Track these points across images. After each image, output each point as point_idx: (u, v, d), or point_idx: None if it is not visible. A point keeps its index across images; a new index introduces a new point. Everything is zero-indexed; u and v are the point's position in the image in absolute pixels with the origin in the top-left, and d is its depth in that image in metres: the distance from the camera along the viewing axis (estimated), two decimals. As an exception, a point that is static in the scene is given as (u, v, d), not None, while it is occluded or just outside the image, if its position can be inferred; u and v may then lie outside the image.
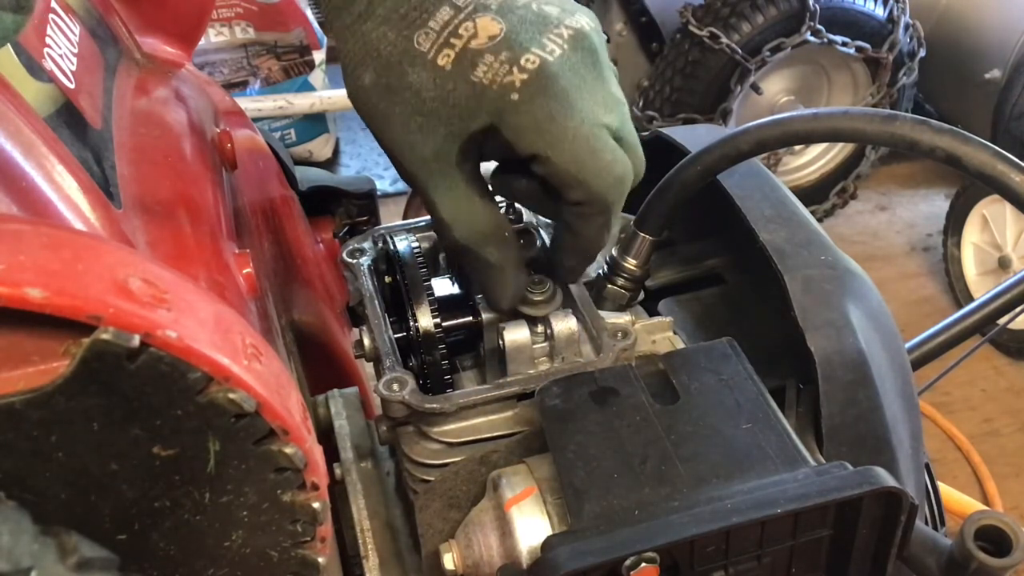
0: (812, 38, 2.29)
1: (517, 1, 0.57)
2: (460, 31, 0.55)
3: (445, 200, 0.59)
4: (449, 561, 0.56)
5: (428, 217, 0.65)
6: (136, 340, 0.35)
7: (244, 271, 0.66)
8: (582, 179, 0.55)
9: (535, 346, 0.62)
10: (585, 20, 0.58)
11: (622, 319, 0.64)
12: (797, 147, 2.59)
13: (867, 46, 2.39)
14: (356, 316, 1.04)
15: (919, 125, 0.58)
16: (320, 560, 0.45)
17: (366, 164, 3.03)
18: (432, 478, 0.59)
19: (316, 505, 0.43)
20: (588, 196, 0.56)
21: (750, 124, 0.65)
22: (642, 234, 0.70)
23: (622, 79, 0.62)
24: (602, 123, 0.56)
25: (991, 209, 2.29)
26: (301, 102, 2.71)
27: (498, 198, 0.64)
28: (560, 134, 0.54)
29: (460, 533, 0.57)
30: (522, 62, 0.54)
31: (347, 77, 0.59)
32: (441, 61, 0.55)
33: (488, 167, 0.64)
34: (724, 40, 2.23)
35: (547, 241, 0.69)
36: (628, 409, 0.55)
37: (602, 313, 0.64)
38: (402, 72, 0.56)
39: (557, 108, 0.54)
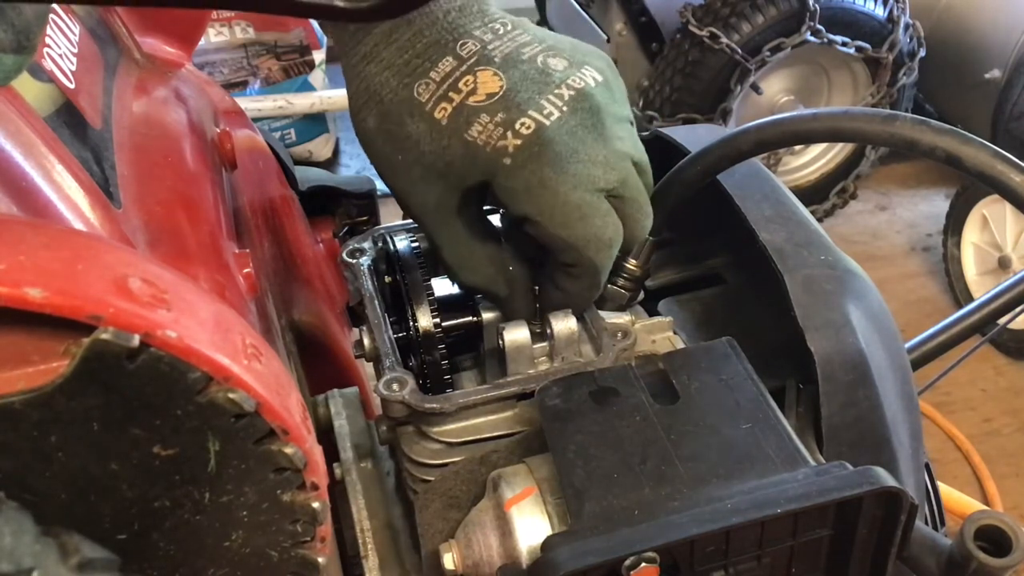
0: (812, 38, 2.28)
1: (523, 53, 0.57)
2: (460, 85, 0.55)
3: (448, 247, 0.61)
4: (449, 561, 0.56)
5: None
6: (136, 340, 0.35)
7: (244, 271, 0.66)
8: (572, 244, 0.56)
9: (535, 346, 0.62)
10: (591, 75, 0.57)
11: (622, 319, 0.64)
12: (797, 147, 2.59)
13: (867, 46, 2.39)
14: (356, 316, 1.04)
15: (919, 125, 0.58)
16: (320, 560, 0.45)
17: (366, 164, 3.02)
18: (432, 478, 0.59)
19: (316, 505, 0.43)
20: (577, 260, 0.58)
21: (750, 124, 0.65)
22: (642, 234, 0.70)
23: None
24: (597, 187, 0.56)
25: (991, 209, 2.29)
26: (301, 102, 2.71)
27: None
28: (551, 200, 0.55)
29: (460, 533, 0.57)
30: (517, 126, 0.54)
31: (353, 117, 0.59)
32: (438, 114, 0.55)
33: None
34: (724, 40, 2.23)
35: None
36: (628, 409, 0.55)
37: (602, 313, 0.64)
38: (402, 121, 0.56)
39: (549, 174, 0.54)
